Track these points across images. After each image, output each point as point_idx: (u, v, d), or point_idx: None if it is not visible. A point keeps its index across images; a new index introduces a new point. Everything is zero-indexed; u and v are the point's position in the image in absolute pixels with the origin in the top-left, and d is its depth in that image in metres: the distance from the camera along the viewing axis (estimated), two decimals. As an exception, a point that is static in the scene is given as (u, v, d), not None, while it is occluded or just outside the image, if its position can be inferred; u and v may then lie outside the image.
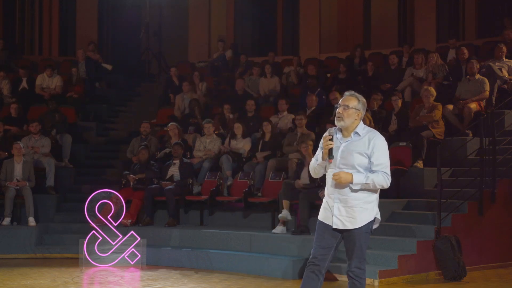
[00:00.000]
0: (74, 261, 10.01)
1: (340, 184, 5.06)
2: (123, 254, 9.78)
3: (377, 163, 5.03)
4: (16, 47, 18.42)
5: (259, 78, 14.54)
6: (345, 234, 5.11)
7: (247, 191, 10.59)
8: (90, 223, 9.82)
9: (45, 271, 9.46)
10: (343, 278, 7.04)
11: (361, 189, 5.05)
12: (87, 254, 9.64)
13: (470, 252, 9.07)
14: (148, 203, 11.07)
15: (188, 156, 11.81)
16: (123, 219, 10.35)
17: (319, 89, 13.00)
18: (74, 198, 12.08)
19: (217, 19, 19.51)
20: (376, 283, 8.16)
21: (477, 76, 11.41)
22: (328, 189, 5.18)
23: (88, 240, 9.68)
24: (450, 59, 13.58)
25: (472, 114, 10.94)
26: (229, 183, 11.16)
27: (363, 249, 5.08)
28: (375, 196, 5.14)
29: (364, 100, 5.22)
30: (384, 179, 5.02)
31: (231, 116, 12.91)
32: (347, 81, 13.46)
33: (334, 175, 5.01)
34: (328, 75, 14.89)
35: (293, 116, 11.82)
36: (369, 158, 5.05)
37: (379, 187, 5.04)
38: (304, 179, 9.94)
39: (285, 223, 9.80)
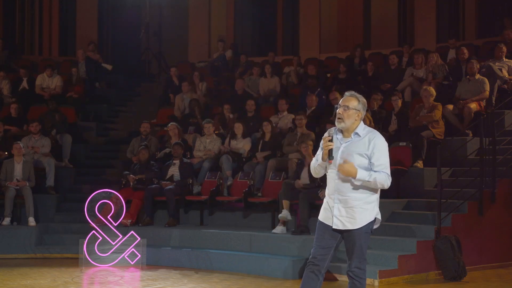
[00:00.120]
0: (74, 261, 10.01)
1: (340, 185, 5.06)
2: (123, 254, 9.78)
3: (378, 163, 5.02)
4: (16, 47, 18.41)
5: (259, 78, 14.54)
6: (345, 234, 5.10)
7: (247, 191, 10.59)
8: (90, 223, 9.82)
9: (45, 271, 9.46)
10: (343, 278, 7.05)
11: (361, 189, 5.05)
12: (87, 254, 9.64)
13: (470, 252, 9.07)
14: (148, 203, 11.07)
15: (188, 156, 11.81)
16: (123, 219, 10.35)
17: (319, 89, 13.00)
18: (74, 198, 12.08)
19: (217, 19, 19.51)
20: (376, 283, 8.17)
21: (477, 76, 11.41)
22: (329, 190, 5.18)
23: (88, 240, 9.68)
24: (450, 59, 13.57)
25: (472, 114, 10.95)
26: (229, 183, 11.16)
27: (363, 249, 5.08)
28: (376, 197, 5.13)
29: (364, 100, 5.22)
30: (385, 179, 5.02)
31: (231, 116, 12.91)
32: (347, 81, 13.46)
33: (339, 165, 4.98)
34: (328, 75, 14.89)
35: (293, 116, 11.83)
36: (369, 159, 5.04)
37: (379, 186, 5.04)
38: (304, 179, 9.94)
39: (285, 223, 9.80)
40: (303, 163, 10.12)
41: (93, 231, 9.73)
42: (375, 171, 5.01)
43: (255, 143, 11.65)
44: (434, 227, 8.87)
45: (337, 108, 5.16)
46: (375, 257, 8.53)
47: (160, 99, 15.50)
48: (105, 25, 19.31)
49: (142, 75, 17.70)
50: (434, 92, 10.93)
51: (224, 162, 11.31)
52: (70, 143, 12.81)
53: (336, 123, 5.16)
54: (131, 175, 11.34)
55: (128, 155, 12.43)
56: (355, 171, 4.95)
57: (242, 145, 11.66)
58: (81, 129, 14.31)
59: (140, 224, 10.93)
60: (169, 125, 12.34)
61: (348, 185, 5.06)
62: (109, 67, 16.03)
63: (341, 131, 5.18)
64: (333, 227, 5.09)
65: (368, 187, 5.06)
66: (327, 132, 5.14)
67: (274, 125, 11.82)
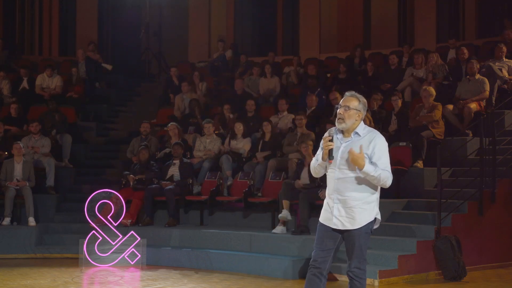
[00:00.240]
0: (74, 261, 10.01)
1: (340, 185, 5.06)
2: (123, 254, 9.78)
3: (379, 162, 5.01)
4: (16, 47, 18.41)
5: (259, 78, 14.54)
6: (345, 234, 5.11)
7: (247, 191, 10.59)
8: (90, 223, 9.82)
9: (45, 271, 9.46)
10: (343, 278, 7.05)
11: (360, 189, 5.04)
12: (87, 254, 9.64)
13: (470, 252, 9.07)
14: (148, 203, 11.07)
15: (188, 156, 11.81)
16: (123, 219, 10.35)
17: (319, 89, 12.99)
18: (74, 198, 12.08)
19: (217, 19, 19.51)
20: (376, 283, 8.17)
21: (477, 76, 11.41)
22: (329, 190, 5.19)
23: (88, 240, 9.68)
24: (450, 59, 13.57)
25: (472, 114, 10.94)
26: (229, 183, 11.16)
27: (363, 250, 5.08)
28: (375, 197, 5.13)
29: (365, 100, 5.22)
30: (388, 177, 5.01)
31: (231, 116, 12.91)
32: (347, 81, 13.46)
33: (350, 152, 4.95)
34: (328, 75, 14.89)
35: (293, 116, 11.82)
36: (370, 159, 5.04)
37: (382, 183, 5.01)
38: (304, 179, 9.94)
39: (285, 223, 9.80)
40: (303, 163, 10.12)
41: (93, 231, 9.73)
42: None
43: (255, 143, 11.65)
44: (434, 227, 8.87)
45: (337, 108, 5.16)
46: (375, 257, 8.53)
47: (160, 99, 15.50)
48: (105, 25, 19.31)
49: (142, 75, 17.69)
50: (434, 92, 10.93)
51: (224, 162, 11.31)
52: (70, 143, 12.81)
53: (336, 124, 5.16)
54: (131, 175, 11.34)
55: (128, 155, 12.43)
56: (363, 163, 4.93)
57: (242, 145, 11.66)
58: (81, 129, 14.31)
59: (140, 224, 10.93)
60: (169, 125, 12.34)
61: (347, 185, 5.06)
62: (109, 67, 16.03)
63: (342, 131, 5.18)
64: (333, 227, 5.10)
65: (368, 187, 5.06)
66: (327, 132, 5.14)
67: (274, 125, 11.81)
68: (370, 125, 8.84)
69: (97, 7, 18.88)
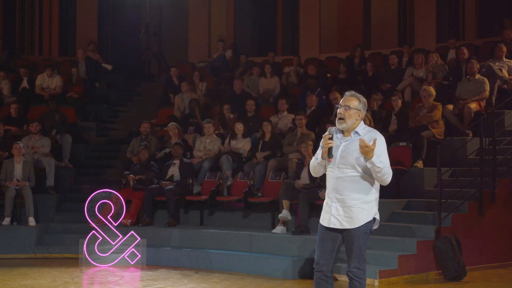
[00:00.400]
0: (74, 261, 10.01)
1: (338, 184, 5.06)
2: (123, 254, 9.78)
3: (379, 160, 5.01)
4: (16, 47, 18.41)
5: (259, 78, 14.54)
6: (344, 234, 5.11)
7: (247, 191, 10.59)
8: (90, 223, 9.83)
9: (45, 271, 9.46)
10: (343, 278, 7.05)
11: (359, 189, 5.04)
12: (87, 254, 9.64)
13: (470, 252, 9.07)
14: (148, 203, 11.07)
15: (188, 156, 11.81)
16: (123, 219, 10.35)
17: (319, 89, 12.99)
18: (74, 198, 12.08)
19: (217, 19, 19.51)
20: (376, 283, 8.16)
21: (477, 76, 11.41)
22: (328, 189, 5.19)
23: (88, 240, 9.68)
24: (450, 59, 13.57)
25: (472, 114, 10.94)
26: (229, 183, 11.16)
27: (362, 250, 5.08)
28: (374, 197, 5.13)
29: (365, 100, 5.22)
30: (390, 173, 5.01)
31: (231, 116, 12.91)
32: (347, 81, 13.45)
33: (361, 139, 4.93)
34: (328, 75, 14.89)
35: (293, 116, 11.82)
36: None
37: (384, 177, 4.98)
38: (304, 179, 9.94)
39: (285, 223, 9.80)
40: (303, 163, 10.12)
41: (93, 231, 9.73)
42: None
43: (255, 143, 11.65)
44: (434, 227, 8.87)
45: (337, 108, 5.16)
46: (375, 257, 8.53)
47: (160, 99, 15.50)
48: (105, 25, 19.31)
49: (142, 75, 17.69)
50: (433, 92, 10.93)
51: (224, 162, 11.31)
52: (70, 143, 12.81)
53: (337, 124, 5.16)
54: (131, 175, 11.34)
55: (128, 155, 12.43)
56: (372, 154, 4.91)
57: (242, 145, 11.66)
58: (81, 129, 14.31)
59: (140, 224, 10.93)
60: (169, 125, 12.33)
61: (346, 184, 5.06)
62: (109, 67, 16.03)
63: (342, 131, 5.18)
64: (331, 225, 5.10)
65: (367, 187, 5.05)
66: (327, 130, 5.15)
67: (274, 125, 11.81)
68: (370, 125, 8.85)
69: (97, 7, 18.88)
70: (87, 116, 14.95)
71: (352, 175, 5.05)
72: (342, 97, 5.24)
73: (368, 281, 7.29)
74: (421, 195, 9.99)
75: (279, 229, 9.76)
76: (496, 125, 10.12)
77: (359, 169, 5.04)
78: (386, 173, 4.99)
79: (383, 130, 10.84)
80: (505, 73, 11.83)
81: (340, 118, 5.12)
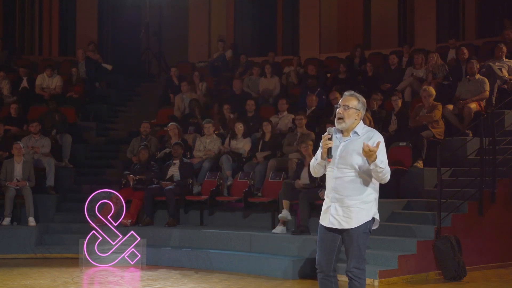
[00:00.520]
0: (74, 261, 10.01)
1: (337, 184, 5.07)
2: (123, 254, 9.78)
3: (379, 160, 5.01)
4: (16, 47, 18.41)
5: (259, 78, 14.54)
6: (344, 234, 5.11)
7: (247, 191, 10.59)
8: (90, 223, 9.82)
9: (45, 271, 9.46)
10: (343, 278, 7.02)
11: (358, 189, 5.04)
12: (87, 254, 9.64)
13: (470, 252, 9.07)
14: (148, 203, 11.07)
15: (188, 156, 11.81)
16: (123, 219, 10.35)
17: (319, 89, 13.00)
18: (74, 198, 12.08)
19: (217, 19, 19.51)
20: (376, 283, 8.16)
21: (477, 76, 11.41)
22: (327, 189, 5.20)
23: (88, 240, 9.67)
24: (450, 59, 13.57)
25: (472, 114, 10.94)
26: (229, 183, 11.16)
27: (361, 249, 5.08)
28: (373, 197, 5.13)
29: (364, 100, 5.23)
30: (389, 172, 5.02)
31: (231, 116, 12.91)
32: (347, 81, 13.45)
33: (364, 144, 4.92)
34: (328, 75, 14.89)
35: (293, 116, 11.83)
36: (369, 157, 5.04)
37: (385, 177, 4.99)
38: (304, 179, 9.94)
39: (285, 223, 9.80)
40: (303, 163, 10.12)
41: (93, 231, 9.73)
42: None
43: (255, 143, 11.65)
44: (434, 227, 8.87)
45: (337, 108, 5.17)
46: (375, 257, 8.53)
47: (160, 99, 15.50)
48: (105, 25, 19.31)
49: (142, 75, 17.69)
50: (433, 92, 10.93)
51: (224, 162, 11.31)
52: (70, 143, 12.81)
53: (336, 124, 5.16)
54: (131, 175, 11.34)
55: (128, 155, 12.43)
56: (376, 157, 4.91)
57: (242, 145, 11.66)
58: (81, 129, 14.31)
59: (140, 224, 10.93)
60: (169, 125, 12.34)
61: (345, 184, 5.06)
62: (109, 67, 16.03)
63: (341, 131, 5.18)
64: (330, 226, 5.10)
65: (366, 187, 5.06)
66: (327, 131, 5.15)
67: (274, 125, 11.81)
68: (370, 125, 8.87)
69: (97, 7, 18.88)
70: (87, 116, 14.95)
71: (351, 175, 5.06)
72: (342, 97, 5.25)
73: (368, 281, 7.30)
74: (421, 195, 9.99)
75: (279, 229, 9.76)
76: (496, 125, 10.12)
77: (358, 169, 5.04)
78: (386, 172, 5.00)
79: (383, 130, 10.85)
80: (505, 73, 11.83)
81: (339, 118, 5.12)
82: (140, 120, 13.40)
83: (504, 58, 12.06)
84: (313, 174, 5.34)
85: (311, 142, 10.13)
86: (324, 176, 5.26)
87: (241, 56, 16.58)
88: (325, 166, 5.19)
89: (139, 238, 9.80)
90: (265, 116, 12.47)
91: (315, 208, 9.26)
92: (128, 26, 18.81)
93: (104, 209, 10.45)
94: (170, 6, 18.87)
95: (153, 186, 11.18)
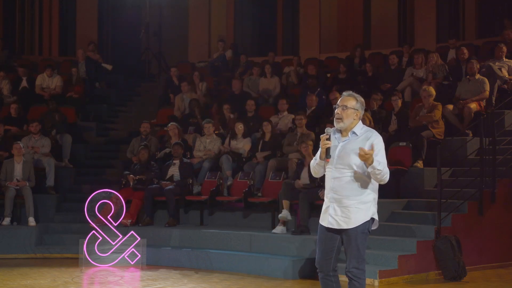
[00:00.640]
0: (74, 261, 10.01)
1: (336, 184, 5.08)
2: (123, 254, 9.78)
3: (376, 158, 5.00)
4: (16, 47, 18.41)
5: (259, 78, 14.54)
6: (342, 234, 5.12)
7: (247, 191, 10.59)
8: (90, 223, 9.82)
9: (45, 271, 9.46)
10: (343, 278, 7.02)
11: (357, 189, 5.05)
12: (87, 254, 9.64)
13: (470, 252, 9.07)
14: (148, 203, 11.07)
15: (188, 156, 11.81)
16: (123, 219, 10.35)
17: (319, 89, 13.00)
18: (74, 198, 12.08)
19: (217, 19, 19.51)
20: (376, 283, 8.16)
21: (477, 76, 11.41)
22: (326, 189, 5.21)
23: (88, 240, 9.67)
24: (450, 59, 13.57)
25: (472, 114, 10.94)
26: (229, 183, 11.16)
27: (360, 249, 5.08)
28: (372, 197, 5.13)
29: (362, 100, 5.24)
30: (388, 172, 5.03)
31: (231, 116, 12.91)
32: (347, 81, 13.46)
33: (361, 148, 4.94)
34: (328, 75, 14.90)
35: (293, 116, 11.83)
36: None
37: (384, 178, 5.00)
38: (304, 179, 9.94)
39: (285, 223, 9.80)
40: (303, 163, 10.12)
41: (93, 231, 9.73)
42: None
43: (255, 143, 11.65)
44: (434, 227, 8.87)
45: (335, 109, 5.17)
46: (375, 257, 8.53)
47: (160, 99, 15.50)
48: (105, 25, 19.31)
49: (142, 75, 17.69)
50: (433, 92, 10.93)
51: (224, 162, 11.31)
52: (70, 143, 12.81)
53: (335, 123, 5.17)
54: (131, 175, 11.34)
55: (128, 155, 12.43)
56: (372, 159, 4.93)
57: (242, 145, 11.66)
58: (81, 129, 14.31)
59: (140, 224, 10.93)
60: (169, 125, 12.34)
61: (344, 184, 5.07)
62: (109, 67, 16.04)
63: (340, 131, 5.19)
64: (328, 226, 5.11)
65: (364, 187, 5.07)
66: (325, 131, 5.15)
67: (274, 125, 11.81)
68: (370, 125, 8.88)
69: (97, 7, 18.88)
70: (87, 116, 14.96)
71: (349, 175, 5.07)
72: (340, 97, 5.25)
73: (368, 281, 7.30)
74: (421, 195, 9.99)
75: (279, 229, 9.76)
76: (496, 125, 10.12)
77: (357, 170, 5.04)
78: (385, 174, 5.01)
79: (383, 130, 10.85)
80: (505, 73, 11.83)
81: (338, 118, 5.13)
82: (140, 120, 13.40)
83: (504, 58, 12.06)
84: (313, 175, 5.35)
85: (311, 142, 10.13)
86: (324, 176, 5.27)
87: (241, 56, 16.58)
88: (324, 166, 5.19)
89: (139, 238, 9.80)
90: (265, 116, 12.48)
91: (315, 208, 9.26)
92: (128, 26, 18.81)
93: (104, 209, 10.45)
94: (170, 6, 18.87)
95: (153, 186, 11.18)
